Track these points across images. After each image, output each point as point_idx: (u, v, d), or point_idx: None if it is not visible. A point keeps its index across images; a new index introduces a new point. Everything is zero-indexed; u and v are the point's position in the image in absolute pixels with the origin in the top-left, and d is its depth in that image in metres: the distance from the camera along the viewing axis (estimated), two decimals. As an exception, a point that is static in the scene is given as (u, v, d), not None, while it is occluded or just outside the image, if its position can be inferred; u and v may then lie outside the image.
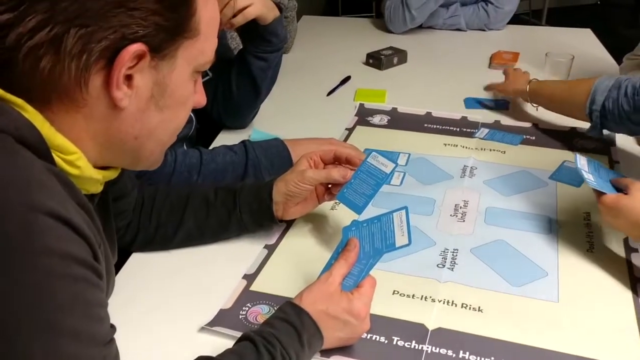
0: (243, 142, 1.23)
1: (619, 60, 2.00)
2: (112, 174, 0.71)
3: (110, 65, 0.59)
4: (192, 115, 1.29)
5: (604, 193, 0.98)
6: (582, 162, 1.04)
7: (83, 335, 0.54)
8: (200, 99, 0.74)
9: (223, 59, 1.39)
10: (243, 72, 1.37)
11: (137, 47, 0.59)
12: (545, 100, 1.46)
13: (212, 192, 1.04)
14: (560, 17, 4.85)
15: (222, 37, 1.34)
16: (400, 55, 1.94)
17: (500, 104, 1.63)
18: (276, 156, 1.21)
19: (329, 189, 1.05)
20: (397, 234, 0.88)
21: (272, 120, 1.54)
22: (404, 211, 0.90)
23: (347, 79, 1.82)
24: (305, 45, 2.10)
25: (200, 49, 0.66)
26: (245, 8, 1.23)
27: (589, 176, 1.01)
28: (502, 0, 2.21)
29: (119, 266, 1.01)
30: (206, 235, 1.04)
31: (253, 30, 1.32)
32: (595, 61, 1.94)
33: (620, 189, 1.00)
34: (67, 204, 0.54)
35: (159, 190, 1.05)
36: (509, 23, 2.29)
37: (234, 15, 1.22)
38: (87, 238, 0.55)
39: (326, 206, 1.16)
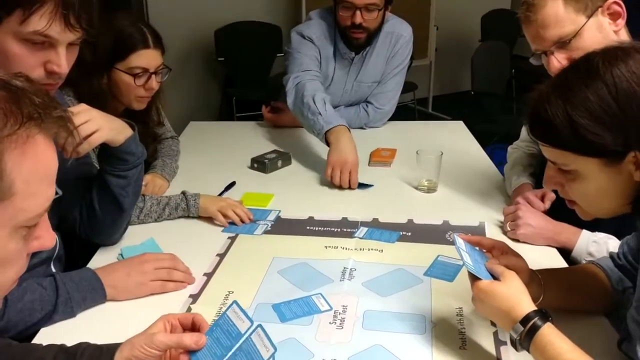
0: (53, 275, 1.20)
1: (486, 148, 2.16)
2: None
3: None
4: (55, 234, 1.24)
5: (478, 278, 1.02)
6: (460, 242, 1.08)
7: None
8: (44, 242, 0.71)
9: (86, 178, 1.37)
10: (103, 191, 1.34)
11: None
12: None
13: (50, 356, 0.94)
14: (444, 104, 5.23)
15: (85, 155, 1.31)
16: (284, 158, 1.99)
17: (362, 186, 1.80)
18: (88, 290, 1.20)
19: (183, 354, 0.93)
20: (262, 351, 0.87)
21: (154, 228, 1.54)
22: (259, 329, 0.89)
23: (232, 184, 1.84)
24: (192, 152, 2.11)
25: (17, 209, 0.64)
26: (91, 134, 1.20)
27: (467, 258, 1.05)
28: (381, 101, 2.35)
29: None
30: None
31: (107, 151, 1.30)
32: (467, 152, 2.07)
33: (494, 276, 1.04)
34: None
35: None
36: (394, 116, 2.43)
37: (79, 143, 1.17)
38: None
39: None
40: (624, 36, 1.35)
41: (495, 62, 4.05)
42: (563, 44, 1.32)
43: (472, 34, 5.18)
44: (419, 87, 4.65)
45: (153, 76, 1.61)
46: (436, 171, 1.76)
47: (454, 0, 5.19)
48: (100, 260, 1.38)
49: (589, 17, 1.31)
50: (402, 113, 2.47)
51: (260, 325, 0.90)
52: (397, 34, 2.28)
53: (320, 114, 1.92)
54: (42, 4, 1.03)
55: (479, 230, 1.52)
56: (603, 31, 1.32)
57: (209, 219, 1.59)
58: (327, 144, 1.87)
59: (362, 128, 2.33)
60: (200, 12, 4.25)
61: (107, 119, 1.25)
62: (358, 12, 2.07)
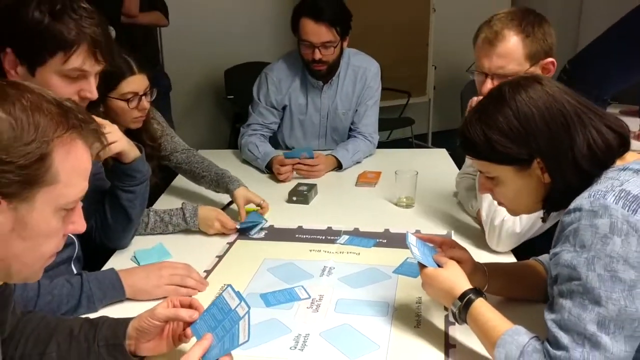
0: (80, 274, 1.38)
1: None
2: None
3: None
4: (74, 238, 1.48)
5: (426, 266, 1.25)
6: (411, 239, 1.31)
7: None
8: (77, 227, 0.92)
9: (100, 191, 1.61)
10: (114, 204, 1.59)
11: None
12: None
13: (78, 324, 1.15)
14: (443, 139, 5.46)
15: (98, 171, 1.54)
16: (314, 188, 2.14)
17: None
18: (109, 288, 1.37)
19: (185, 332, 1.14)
20: (230, 302, 1.09)
21: (164, 238, 1.76)
22: (229, 288, 1.11)
23: (231, 202, 2.06)
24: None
25: (60, 194, 0.84)
26: (111, 143, 1.43)
27: (416, 251, 1.27)
28: (370, 131, 2.62)
29: None
30: None
31: (118, 168, 1.55)
32: (444, 175, 2.28)
33: (440, 265, 1.26)
34: None
35: (33, 318, 1.16)
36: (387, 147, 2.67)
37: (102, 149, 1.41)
38: None
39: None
40: None
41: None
42: (502, 75, 1.56)
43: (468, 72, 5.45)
44: (417, 122, 4.90)
45: (143, 97, 1.82)
46: (412, 188, 1.98)
47: (450, 42, 5.46)
48: (116, 261, 1.62)
49: (532, 66, 1.57)
50: (402, 147, 2.69)
51: (230, 286, 1.12)
52: (365, 68, 2.59)
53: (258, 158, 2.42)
54: (79, 45, 1.27)
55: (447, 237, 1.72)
56: None
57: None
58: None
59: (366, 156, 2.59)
60: (211, 53, 4.55)
61: (123, 135, 1.51)
62: (317, 50, 2.38)
